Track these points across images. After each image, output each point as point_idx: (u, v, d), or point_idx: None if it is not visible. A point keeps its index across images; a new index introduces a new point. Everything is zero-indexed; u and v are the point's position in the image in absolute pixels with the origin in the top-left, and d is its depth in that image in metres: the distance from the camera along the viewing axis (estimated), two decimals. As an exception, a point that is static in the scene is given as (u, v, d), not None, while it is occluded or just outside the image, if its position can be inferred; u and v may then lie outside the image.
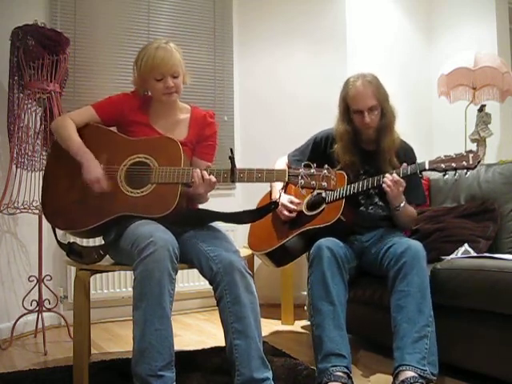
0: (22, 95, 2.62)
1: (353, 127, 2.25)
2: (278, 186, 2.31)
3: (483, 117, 3.31)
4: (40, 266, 2.68)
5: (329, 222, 2.11)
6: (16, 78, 2.62)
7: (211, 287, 1.81)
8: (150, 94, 2.08)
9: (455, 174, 1.97)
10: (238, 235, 3.35)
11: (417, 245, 1.98)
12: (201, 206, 2.10)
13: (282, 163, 2.44)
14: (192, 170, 1.83)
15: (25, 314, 2.65)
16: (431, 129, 3.92)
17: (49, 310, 2.72)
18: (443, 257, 2.21)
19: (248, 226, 2.47)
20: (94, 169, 1.86)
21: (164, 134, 2.02)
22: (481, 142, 3.32)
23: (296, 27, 3.69)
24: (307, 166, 1.74)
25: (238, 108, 3.80)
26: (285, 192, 2.33)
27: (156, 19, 3.47)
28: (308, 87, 3.64)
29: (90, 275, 1.90)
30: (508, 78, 3.20)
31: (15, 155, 2.59)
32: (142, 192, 1.85)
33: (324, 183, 1.72)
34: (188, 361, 2.24)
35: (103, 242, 1.97)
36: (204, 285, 2.93)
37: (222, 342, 1.82)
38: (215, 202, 2.11)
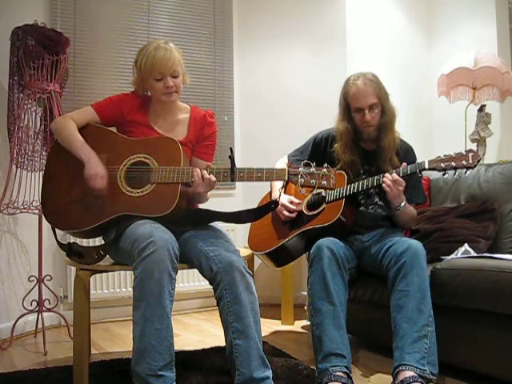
0: (21, 95, 2.62)
1: (353, 126, 2.25)
2: (278, 185, 2.31)
3: (483, 117, 3.31)
4: (40, 266, 2.68)
5: (329, 222, 2.11)
6: (16, 78, 2.62)
7: (211, 287, 1.81)
8: (149, 94, 2.09)
9: (455, 174, 1.97)
10: (238, 235, 3.35)
11: (417, 244, 1.97)
12: (201, 206, 2.10)
13: (282, 164, 2.44)
14: (192, 170, 1.83)
15: (25, 314, 2.65)
16: (431, 129, 3.93)
17: (49, 309, 2.72)
18: (443, 257, 2.21)
19: (248, 225, 2.47)
20: (96, 165, 1.86)
21: (164, 133, 2.02)
22: (481, 141, 3.32)
23: (296, 27, 3.69)
24: (307, 165, 1.74)
25: (238, 108, 3.80)
26: (285, 192, 2.33)
27: (156, 19, 3.47)
28: (308, 87, 3.64)
29: (90, 275, 1.91)
30: (508, 78, 3.20)
31: (15, 155, 2.59)
32: (141, 192, 1.85)
33: (324, 182, 1.72)
34: (188, 361, 2.24)
35: (103, 242, 1.96)
36: (204, 285, 2.95)
37: (222, 342, 1.82)
38: (215, 202, 2.12)
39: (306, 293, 2.89)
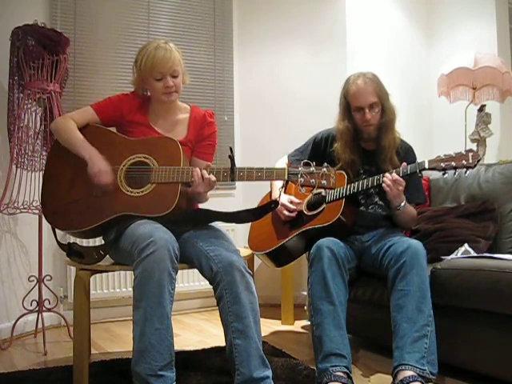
0: (21, 95, 2.62)
1: (353, 125, 2.25)
2: (278, 185, 2.31)
3: (483, 117, 3.32)
4: (40, 266, 2.68)
5: (329, 222, 2.11)
6: (16, 77, 2.62)
7: (211, 287, 1.81)
8: (149, 94, 2.09)
9: (455, 174, 1.97)
10: (238, 235, 3.35)
11: (417, 244, 1.97)
12: (201, 206, 2.10)
13: (281, 163, 2.44)
14: (192, 170, 1.83)
15: (25, 314, 2.66)
16: (431, 129, 3.93)
17: (49, 310, 2.72)
18: (443, 257, 2.20)
19: (248, 225, 2.47)
20: (98, 161, 1.87)
21: (163, 133, 2.02)
22: (481, 141, 3.32)
23: (296, 27, 3.69)
24: (307, 165, 1.74)
25: (238, 108, 3.80)
26: (285, 192, 2.33)
27: (156, 19, 3.47)
28: (308, 87, 3.64)
29: (90, 275, 1.91)
30: (508, 78, 3.20)
31: (15, 155, 2.59)
32: (141, 192, 1.85)
33: (324, 181, 1.72)
34: (188, 361, 2.24)
35: (103, 242, 1.96)
36: (204, 285, 2.95)
37: (222, 342, 1.82)
38: (215, 202, 2.11)
39: (305, 293, 2.89)
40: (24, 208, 2.62)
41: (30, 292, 2.69)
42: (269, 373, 1.72)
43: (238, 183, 3.66)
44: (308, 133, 2.48)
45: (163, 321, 1.64)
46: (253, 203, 2.37)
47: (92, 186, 1.86)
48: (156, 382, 1.60)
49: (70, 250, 1.91)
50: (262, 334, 1.79)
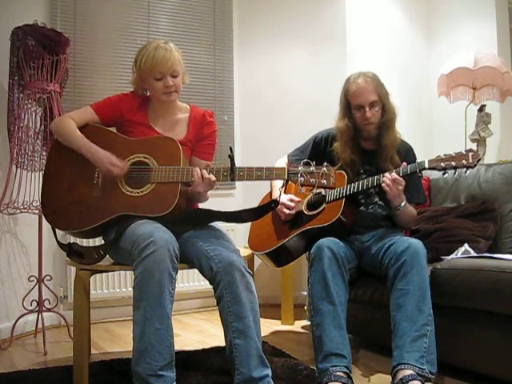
0: (21, 95, 2.62)
1: (353, 124, 2.25)
2: (278, 185, 2.31)
3: (483, 117, 3.32)
4: (40, 266, 2.68)
5: (329, 222, 2.11)
6: (16, 77, 2.62)
7: (211, 287, 1.81)
8: (148, 94, 2.09)
9: (455, 173, 1.97)
10: (238, 235, 3.35)
11: (417, 243, 1.97)
12: (201, 206, 2.10)
13: (281, 163, 2.43)
14: (191, 169, 1.83)
15: (25, 314, 2.65)
16: (431, 129, 3.93)
17: (49, 310, 2.72)
18: (443, 257, 2.20)
19: (248, 225, 2.47)
20: (104, 156, 1.87)
21: (163, 133, 2.02)
22: (481, 141, 3.32)
23: (296, 27, 3.69)
24: (306, 164, 1.74)
25: (238, 108, 3.80)
26: (285, 191, 2.33)
27: (156, 19, 3.47)
28: (308, 87, 3.64)
29: (90, 275, 1.91)
30: (508, 78, 3.20)
31: (15, 155, 2.59)
32: (141, 192, 1.86)
33: (324, 181, 1.72)
34: (188, 361, 2.24)
35: (103, 242, 1.96)
36: (204, 285, 2.95)
37: (222, 342, 1.82)
38: (215, 202, 2.11)
39: (306, 293, 2.89)
40: (24, 208, 2.62)
41: (30, 292, 2.69)
42: (268, 372, 1.72)
43: (238, 183, 3.66)
44: (308, 133, 2.48)
45: (163, 321, 1.64)
46: (253, 203, 2.36)
47: (93, 186, 1.86)
48: (156, 381, 1.60)
49: (70, 250, 1.91)
50: (262, 334, 1.79)
